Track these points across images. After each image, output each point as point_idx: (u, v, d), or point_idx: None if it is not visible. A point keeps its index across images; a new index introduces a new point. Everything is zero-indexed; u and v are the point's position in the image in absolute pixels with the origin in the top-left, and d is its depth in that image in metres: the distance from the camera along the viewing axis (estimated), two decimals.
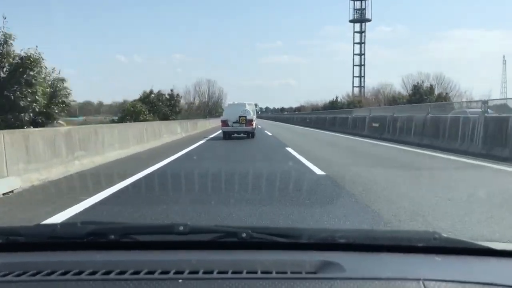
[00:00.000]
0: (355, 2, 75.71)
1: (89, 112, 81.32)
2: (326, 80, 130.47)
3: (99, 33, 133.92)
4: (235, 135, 17.88)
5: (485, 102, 11.45)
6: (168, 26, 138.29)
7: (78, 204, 4.78)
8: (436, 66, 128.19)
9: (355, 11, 75.62)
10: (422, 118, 14.15)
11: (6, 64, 17.57)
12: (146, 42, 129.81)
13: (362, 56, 77.27)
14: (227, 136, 17.66)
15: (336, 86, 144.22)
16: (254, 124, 18.14)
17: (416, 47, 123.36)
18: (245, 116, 17.47)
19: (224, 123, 17.81)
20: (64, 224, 1.30)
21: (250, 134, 17.81)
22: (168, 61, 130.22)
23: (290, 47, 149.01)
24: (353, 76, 77.24)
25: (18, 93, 17.01)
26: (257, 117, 23.15)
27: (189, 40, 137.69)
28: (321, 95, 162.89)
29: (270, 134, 22.55)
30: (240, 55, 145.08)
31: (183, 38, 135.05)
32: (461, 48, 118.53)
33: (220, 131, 18.72)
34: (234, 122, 17.54)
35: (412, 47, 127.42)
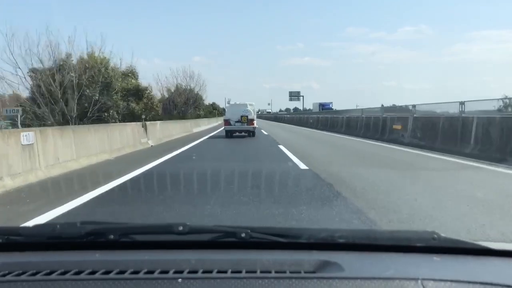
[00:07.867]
0: None
1: None
2: (349, 82, 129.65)
3: None
4: (237, 133, 18.44)
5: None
6: (186, 29, 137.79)
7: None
8: None
9: None
10: None
11: None
12: (165, 45, 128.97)
13: None
14: (229, 134, 18.29)
15: (358, 88, 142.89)
16: (255, 123, 18.87)
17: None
18: (247, 116, 18.21)
19: (227, 122, 18.58)
20: (63, 224, 1.30)
21: (251, 133, 18.54)
22: (188, 64, 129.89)
23: (312, 49, 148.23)
24: None
25: None
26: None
27: (207, 43, 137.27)
28: (344, 98, 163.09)
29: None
30: (261, 57, 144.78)
31: (202, 41, 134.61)
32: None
33: None
34: (236, 121, 18.25)
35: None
